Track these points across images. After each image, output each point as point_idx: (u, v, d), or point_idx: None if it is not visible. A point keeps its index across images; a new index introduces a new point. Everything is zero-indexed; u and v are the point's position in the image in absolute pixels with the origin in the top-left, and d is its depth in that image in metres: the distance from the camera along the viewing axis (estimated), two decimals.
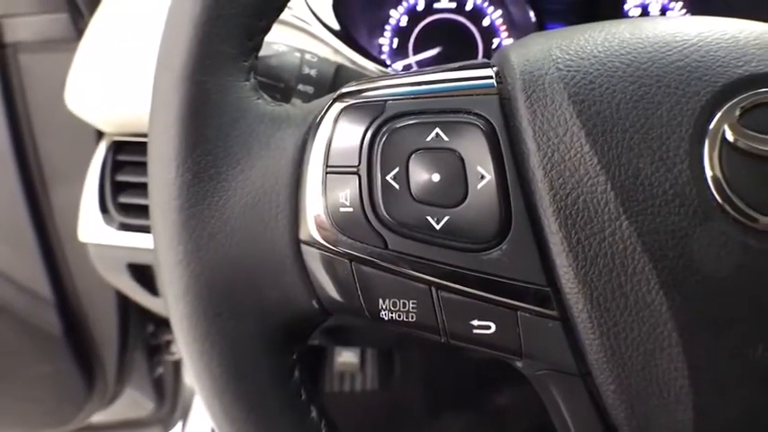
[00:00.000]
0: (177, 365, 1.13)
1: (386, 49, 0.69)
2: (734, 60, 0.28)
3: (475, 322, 0.28)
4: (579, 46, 0.29)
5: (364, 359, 0.98)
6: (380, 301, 0.29)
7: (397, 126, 0.29)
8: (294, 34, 0.59)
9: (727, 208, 0.26)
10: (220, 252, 0.30)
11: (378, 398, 1.02)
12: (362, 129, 0.29)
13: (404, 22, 0.70)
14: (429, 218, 0.28)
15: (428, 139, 0.28)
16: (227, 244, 0.30)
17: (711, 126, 0.27)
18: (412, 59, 0.70)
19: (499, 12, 0.69)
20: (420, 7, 0.70)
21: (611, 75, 0.28)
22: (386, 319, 0.29)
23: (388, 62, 0.69)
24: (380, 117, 0.29)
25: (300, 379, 0.32)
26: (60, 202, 0.87)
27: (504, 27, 0.70)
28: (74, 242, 0.72)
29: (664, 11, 0.72)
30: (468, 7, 0.70)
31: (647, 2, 0.70)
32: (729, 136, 0.26)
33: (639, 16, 0.70)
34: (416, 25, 0.70)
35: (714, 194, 0.26)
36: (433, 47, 0.70)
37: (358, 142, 0.29)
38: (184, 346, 0.31)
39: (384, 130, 0.29)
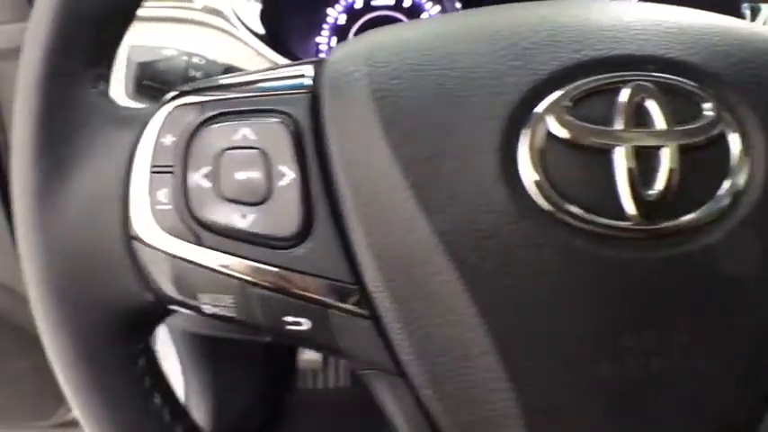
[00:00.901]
0: None
1: (324, 47, 0.70)
2: (571, 45, 0.26)
3: (288, 318, 0.29)
4: (401, 40, 0.29)
5: (328, 357, 0.99)
6: (200, 295, 0.30)
7: (211, 126, 0.30)
8: (222, 39, 0.60)
9: (550, 208, 0.25)
10: (65, 249, 0.32)
11: (351, 395, 1.02)
12: (180, 129, 0.30)
13: (342, 20, 0.70)
14: (237, 215, 0.29)
15: (237, 138, 0.29)
16: (69, 241, 0.31)
17: (532, 119, 0.26)
18: None
19: (438, 7, 0.69)
20: (358, 5, 0.71)
21: (420, 69, 0.27)
22: (208, 312, 0.30)
23: None
24: (199, 117, 0.30)
25: (146, 367, 0.33)
26: None
27: None
28: None
29: None
30: (407, 4, 0.70)
31: None
32: (556, 129, 0.25)
33: None
34: (354, 23, 0.70)
35: (530, 193, 0.25)
36: None
37: (175, 142, 0.30)
38: (40, 328, 0.33)
39: (199, 130, 0.30)
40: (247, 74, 0.32)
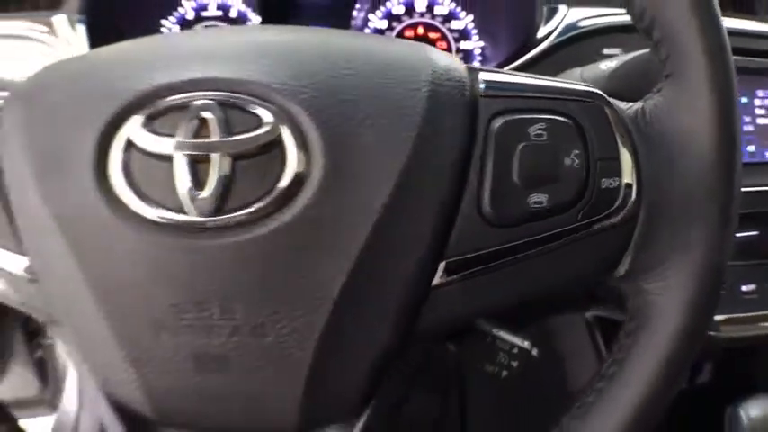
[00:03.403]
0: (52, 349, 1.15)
1: None
2: (146, 73, 0.31)
3: None
4: (60, 67, 0.34)
5: None
6: None
7: None
8: (51, 56, 0.63)
9: (132, 208, 0.29)
10: None
11: None
12: None
13: (176, 30, 0.74)
14: None
15: None
16: None
17: (119, 134, 0.30)
18: None
19: (259, 18, 0.75)
20: (189, 16, 0.75)
21: (58, 89, 0.32)
22: None
23: None
24: None
25: None
26: None
27: None
28: None
29: None
30: (233, 14, 0.75)
31: None
32: (135, 142, 0.30)
33: None
34: None
35: (119, 197, 0.30)
36: None
37: None
38: None
39: None
40: None
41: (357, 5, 0.71)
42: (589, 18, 0.60)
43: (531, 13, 0.61)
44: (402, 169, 0.29)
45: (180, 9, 0.76)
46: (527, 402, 0.78)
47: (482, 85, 0.31)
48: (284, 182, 0.29)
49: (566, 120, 0.31)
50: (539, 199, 0.30)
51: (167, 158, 0.29)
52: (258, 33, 0.34)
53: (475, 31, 0.73)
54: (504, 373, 0.41)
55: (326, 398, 0.32)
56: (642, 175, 0.32)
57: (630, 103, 0.34)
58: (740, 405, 0.60)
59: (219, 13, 0.75)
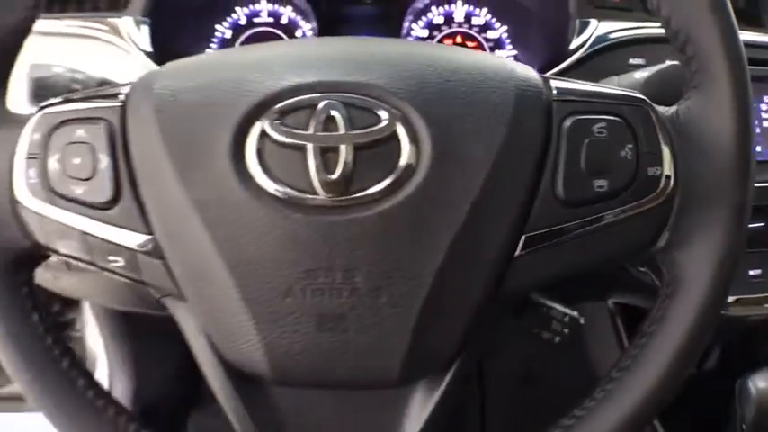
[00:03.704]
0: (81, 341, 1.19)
1: None
2: (279, 74, 0.37)
3: (110, 257, 0.39)
4: (188, 68, 0.40)
5: None
6: (57, 241, 0.39)
7: (60, 126, 0.39)
8: (116, 55, 0.69)
9: (266, 188, 0.35)
10: None
11: None
12: (44, 129, 0.39)
13: (228, 35, 0.81)
14: (73, 187, 0.38)
15: (76, 135, 0.38)
16: None
17: (254, 127, 0.36)
18: None
19: (309, 25, 0.81)
20: (242, 21, 0.81)
21: (185, 86, 0.38)
22: (63, 252, 0.40)
23: None
24: (53, 121, 0.39)
25: (28, 294, 0.42)
26: None
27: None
28: None
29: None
30: (284, 21, 0.81)
31: None
32: (269, 133, 0.35)
33: None
34: (239, 37, 0.81)
35: (254, 178, 0.35)
36: None
37: (40, 137, 0.39)
38: None
39: (53, 130, 0.39)
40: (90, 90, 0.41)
41: (405, 16, 0.78)
42: (618, 31, 0.67)
43: (564, 26, 0.68)
44: (494, 159, 0.36)
45: (233, 15, 0.82)
46: (547, 383, 0.84)
47: (554, 91, 0.38)
48: (398, 169, 0.35)
49: (620, 120, 0.38)
50: (601, 184, 0.37)
51: (299, 148, 0.35)
52: (373, 44, 0.41)
53: (509, 41, 0.80)
54: (557, 339, 0.49)
55: (425, 353, 0.38)
56: (678, 166, 0.39)
57: (667, 108, 0.41)
58: (749, 377, 0.67)
59: (270, 19, 0.82)
